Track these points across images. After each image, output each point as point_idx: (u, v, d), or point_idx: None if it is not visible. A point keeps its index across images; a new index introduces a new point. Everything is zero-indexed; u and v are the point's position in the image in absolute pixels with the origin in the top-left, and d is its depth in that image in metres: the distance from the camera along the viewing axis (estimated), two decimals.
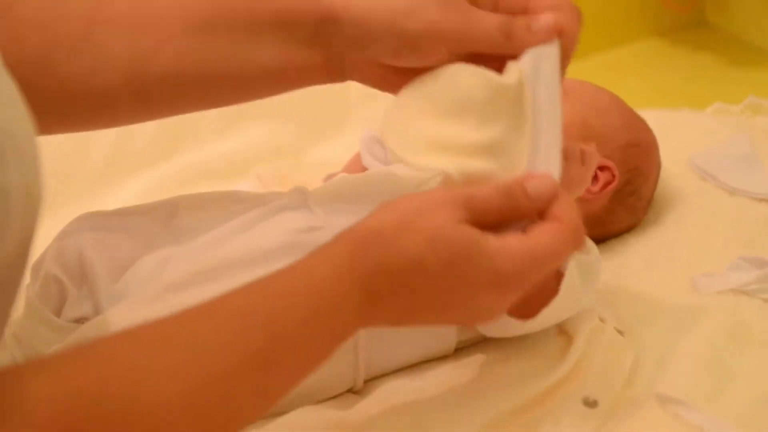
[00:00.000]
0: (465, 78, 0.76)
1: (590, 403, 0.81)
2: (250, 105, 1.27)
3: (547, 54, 0.75)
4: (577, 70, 1.44)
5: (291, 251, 0.83)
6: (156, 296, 0.83)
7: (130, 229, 0.89)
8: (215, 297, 0.65)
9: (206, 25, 0.81)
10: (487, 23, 0.76)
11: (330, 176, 1.07)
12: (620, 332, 0.90)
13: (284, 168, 1.17)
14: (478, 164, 0.74)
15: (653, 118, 1.15)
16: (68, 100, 0.81)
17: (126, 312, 0.81)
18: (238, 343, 0.63)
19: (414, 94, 0.78)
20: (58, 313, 0.86)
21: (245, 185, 1.17)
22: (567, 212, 0.70)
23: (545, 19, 0.75)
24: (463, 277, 0.68)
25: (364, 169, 1.05)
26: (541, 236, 0.68)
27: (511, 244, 0.68)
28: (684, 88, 1.38)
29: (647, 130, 1.10)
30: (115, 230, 0.89)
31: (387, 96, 1.31)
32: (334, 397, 0.87)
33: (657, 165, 1.10)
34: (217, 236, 0.89)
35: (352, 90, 1.34)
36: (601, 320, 0.89)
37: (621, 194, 1.04)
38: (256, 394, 0.64)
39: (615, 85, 1.41)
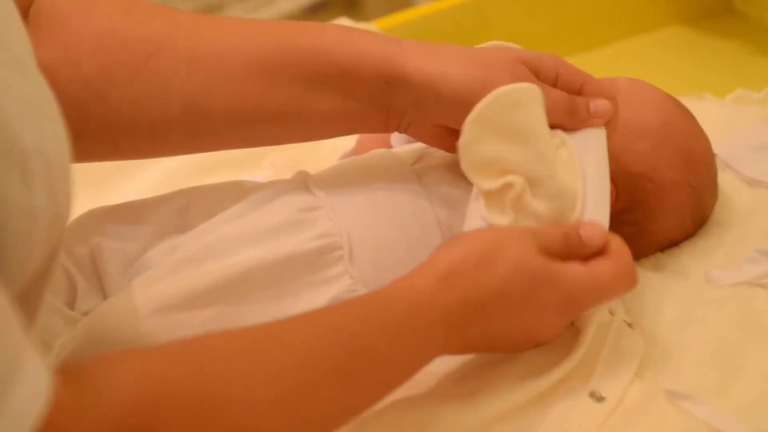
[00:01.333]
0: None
1: (597, 397, 0.80)
2: None
3: (596, 133, 0.84)
4: (602, 56, 1.45)
5: (293, 228, 0.86)
6: (164, 273, 0.84)
7: (140, 222, 0.90)
8: (302, 313, 0.69)
9: (269, 70, 0.82)
10: (553, 99, 0.81)
11: (345, 155, 1.07)
12: (629, 325, 0.88)
13: (298, 155, 1.16)
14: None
15: None
16: (118, 126, 0.83)
17: (136, 290, 0.82)
18: (324, 356, 0.65)
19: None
20: (70, 306, 0.86)
21: (259, 174, 1.17)
22: (622, 254, 0.78)
23: (604, 105, 0.83)
24: (538, 301, 0.74)
25: (391, 146, 1.04)
26: (602, 268, 0.77)
27: (576, 269, 0.76)
28: (708, 75, 1.36)
29: (684, 171, 0.99)
30: (124, 223, 0.90)
31: None
32: None
33: (678, 209, 0.99)
34: (221, 219, 0.90)
35: None
36: (611, 312, 0.88)
37: (617, 221, 0.92)
38: (337, 407, 0.66)
39: (639, 72, 1.39)
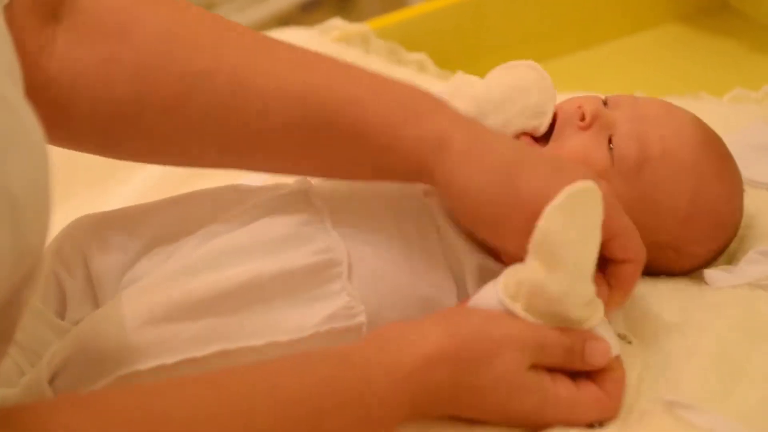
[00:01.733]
0: None
1: (597, 425, 0.78)
2: None
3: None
4: (599, 54, 1.44)
5: (292, 242, 0.84)
6: (157, 283, 0.82)
7: (135, 228, 0.89)
8: (264, 377, 0.71)
9: (307, 139, 0.80)
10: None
11: None
12: (625, 338, 0.86)
13: None
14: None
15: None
16: (145, 150, 0.84)
17: (127, 300, 0.81)
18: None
19: None
20: (59, 315, 0.85)
21: (258, 177, 1.15)
22: (617, 389, 0.79)
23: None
24: (510, 408, 0.76)
25: None
26: (589, 394, 0.78)
27: (561, 393, 0.76)
28: (705, 74, 1.35)
29: (711, 241, 0.95)
30: (119, 230, 0.89)
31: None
32: None
33: (698, 261, 0.97)
34: (218, 229, 0.88)
35: None
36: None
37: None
38: None
39: (636, 71, 1.40)
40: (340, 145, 0.80)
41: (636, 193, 0.90)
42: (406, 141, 0.78)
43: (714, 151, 0.94)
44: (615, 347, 0.80)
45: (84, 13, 0.78)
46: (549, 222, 0.75)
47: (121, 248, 0.88)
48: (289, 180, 0.91)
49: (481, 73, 1.40)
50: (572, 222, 0.76)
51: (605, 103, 0.94)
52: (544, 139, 0.92)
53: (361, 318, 0.83)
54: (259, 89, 0.79)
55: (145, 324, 0.79)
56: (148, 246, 0.88)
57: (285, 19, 2.16)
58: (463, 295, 0.86)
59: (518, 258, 0.77)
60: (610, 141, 0.91)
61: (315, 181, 0.91)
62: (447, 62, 1.39)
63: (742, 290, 0.91)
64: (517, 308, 0.77)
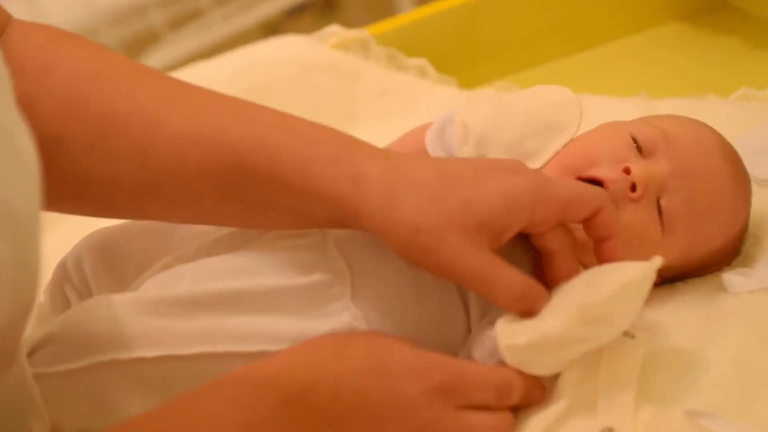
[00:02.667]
0: None
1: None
2: (261, 103, 1.27)
3: None
4: (598, 56, 1.42)
5: (294, 262, 0.83)
6: (151, 285, 0.83)
7: (135, 244, 0.89)
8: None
9: (223, 185, 0.79)
10: (504, 280, 0.76)
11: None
12: (627, 333, 0.82)
13: None
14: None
15: (677, 107, 1.11)
16: (65, 195, 0.81)
17: (121, 294, 0.81)
18: None
19: None
20: None
21: None
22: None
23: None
24: None
25: (424, 148, 0.98)
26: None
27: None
28: (708, 73, 1.33)
29: (727, 253, 0.96)
30: (121, 246, 0.89)
31: (398, 90, 1.31)
32: None
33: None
34: (218, 246, 0.87)
35: (361, 85, 1.32)
36: None
37: None
38: None
39: (638, 71, 1.38)
40: (257, 190, 0.79)
41: (680, 242, 0.90)
42: (322, 182, 0.77)
43: (742, 180, 0.94)
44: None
45: (9, 51, 0.78)
46: (610, 299, 0.73)
47: (123, 264, 0.89)
48: None
49: (479, 77, 1.40)
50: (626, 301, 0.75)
51: (638, 146, 0.90)
52: None
53: None
54: (174, 133, 0.78)
55: (134, 315, 0.78)
56: (152, 261, 0.88)
57: (271, 26, 2.16)
58: (468, 321, 0.84)
59: (465, 279, 0.76)
60: (658, 204, 0.89)
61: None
62: (446, 67, 1.38)
63: (761, 295, 0.89)
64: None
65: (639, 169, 0.87)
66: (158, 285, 0.83)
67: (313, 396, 0.70)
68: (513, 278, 0.76)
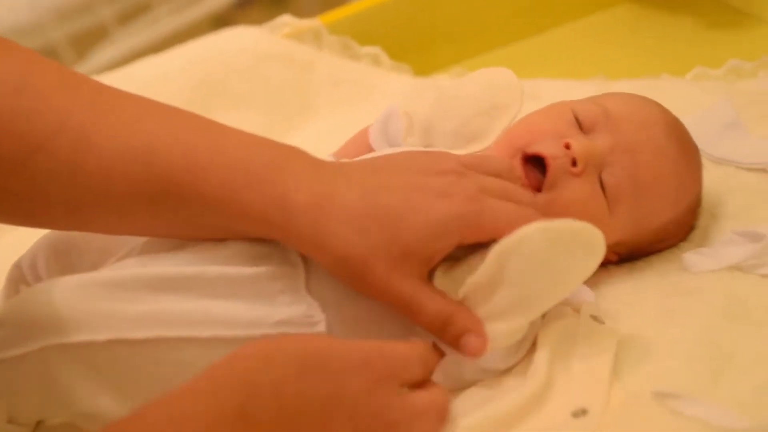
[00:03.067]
0: None
1: (578, 413, 0.75)
2: (211, 97, 1.26)
3: None
4: (554, 39, 1.42)
5: (247, 257, 0.81)
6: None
7: (91, 242, 0.88)
8: None
9: (153, 203, 0.79)
10: (428, 307, 0.77)
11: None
12: (596, 318, 0.84)
13: None
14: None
15: (633, 88, 1.10)
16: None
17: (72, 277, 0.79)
18: None
19: None
20: None
21: None
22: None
23: (473, 343, 0.77)
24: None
25: (370, 148, 0.99)
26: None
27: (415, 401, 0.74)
28: (663, 54, 1.33)
29: (682, 228, 0.97)
30: (77, 245, 0.88)
31: (352, 79, 1.30)
32: None
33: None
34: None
35: (315, 75, 1.30)
36: (575, 310, 0.84)
37: None
38: None
39: (593, 53, 1.38)
40: (187, 210, 0.79)
41: (626, 217, 0.90)
42: (251, 208, 0.77)
43: (689, 153, 0.95)
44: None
45: None
46: (533, 237, 0.74)
47: (81, 259, 0.87)
48: None
49: (434, 63, 1.40)
50: (555, 253, 0.75)
51: (579, 123, 0.91)
52: (536, 183, 0.89)
53: (320, 327, 0.80)
54: (103, 152, 0.77)
55: (83, 298, 0.76)
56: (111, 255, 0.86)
57: (221, 18, 2.13)
58: None
59: (392, 304, 0.78)
60: (600, 179, 0.89)
61: None
62: (400, 55, 1.37)
63: (721, 274, 0.89)
64: None
65: (579, 144, 0.88)
66: (108, 270, 0.82)
67: (254, 409, 0.68)
68: (437, 305, 0.77)
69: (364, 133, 1.01)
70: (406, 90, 1.29)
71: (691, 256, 0.93)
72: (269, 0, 2.28)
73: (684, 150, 0.94)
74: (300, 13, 1.39)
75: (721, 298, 0.86)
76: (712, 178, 1.01)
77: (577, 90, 1.21)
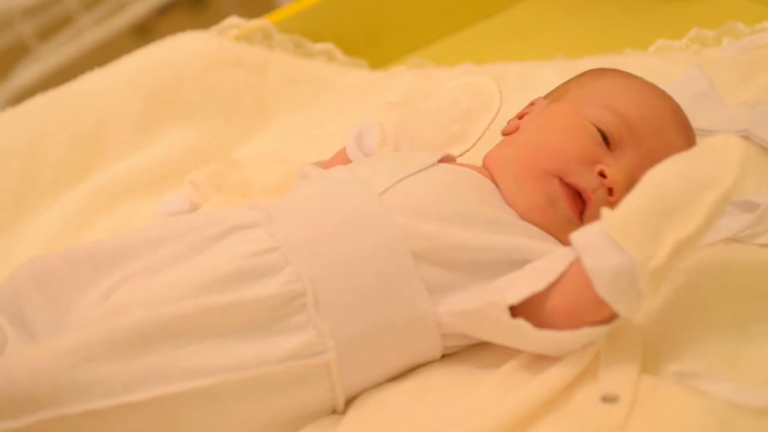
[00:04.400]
0: None
1: (610, 399, 0.74)
2: (164, 107, 1.22)
3: None
4: (505, 22, 1.39)
5: (245, 277, 0.79)
6: (96, 319, 0.78)
7: (71, 265, 0.84)
8: None
9: None
10: None
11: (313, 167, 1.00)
12: None
13: (219, 171, 1.08)
14: None
15: (597, 64, 1.08)
16: None
17: (63, 336, 0.76)
18: None
19: None
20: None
21: (180, 196, 1.08)
22: None
23: None
24: None
25: (349, 161, 0.99)
26: None
27: None
28: (620, 29, 1.33)
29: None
30: (56, 270, 0.85)
31: (308, 77, 1.27)
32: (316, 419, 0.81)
33: None
34: (164, 260, 0.83)
35: (269, 76, 1.27)
36: None
37: None
38: None
39: (547, 33, 1.36)
40: None
41: None
42: None
43: (693, 141, 0.93)
44: None
45: None
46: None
47: (59, 286, 0.84)
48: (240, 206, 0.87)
49: (389, 55, 1.37)
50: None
51: (604, 138, 0.89)
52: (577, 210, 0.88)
53: (329, 355, 0.78)
54: None
55: (80, 361, 0.74)
56: (90, 283, 0.83)
57: (143, 27, 2.09)
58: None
59: None
60: None
61: (271, 206, 0.86)
62: (355, 49, 1.34)
63: (720, 248, 0.89)
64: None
65: (613, 172, 0.86)
66: (102, 316, 0.78)
67: None
68: None
69: (342, 152, 1.01)
70: (365, 84, 1.26)
71: None
72: (188, 6, 2.24)
73: (689, 141, 0.93)
74: (221, 16, 1.35)
75: (724, 273, 0.85)
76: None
77: (540, 71, 1.20)
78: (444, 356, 0.84)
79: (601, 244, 0.76)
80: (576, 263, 0.77)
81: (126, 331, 0.75)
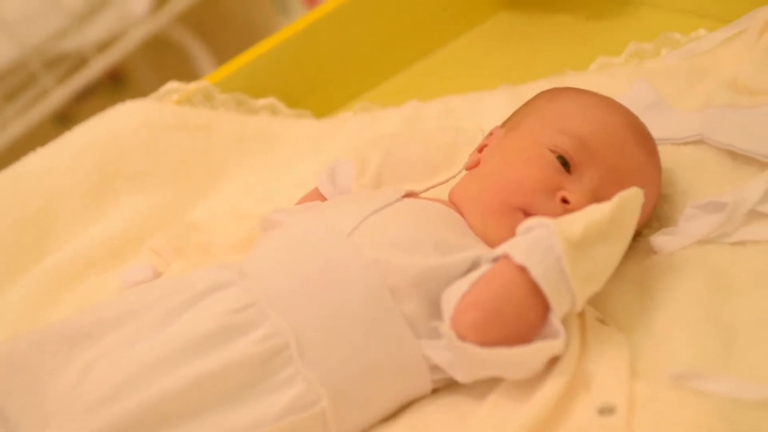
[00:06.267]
0: None
1: (607, 411, 0.74)
2: (112, 181, 1.19)
3: None
4: (443, 57, 1.40)
5: (225, 335, 0.78)
6: (80, 416, 0.76)
7: (41, 347, 0.82)
8: None
9: None
10: None
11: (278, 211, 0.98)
12: (602, 321, 0.83)
13: (178, 234, 1.06)
14: None
15: (541, 88, 1.09)
16: None
17: None
18: None
19: None
20: None
21: (141, 264, 1.06)
22: None
23: None
24: None
25: (323, 199, 0.99)
26: None
27: None
28: (559, 51, 1.34)
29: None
30: (24, 354, 0.82)
31: (254, 133, 1.26)
32: None
33: None
34: (140, 330, 0.81)
35: (215, 136, 1.26)
36: (579, 314, 0.82)
37: None
38: None
39: (493, 61, 1.37)
40: None
41: None
42: None
43: (653, 151, 0.94)
44: None
45: None
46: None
47: (30, 371, 0.82)
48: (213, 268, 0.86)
49: (332, 103, 1.37)
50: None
51: (564, 163, 0.89)
52: None
53: (323, 403, 0.78)
54: None
55: None
56: (63, 360, 0.82)
57: (64, 114, 2.07)
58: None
59: None
60: None
61: (242, 263, 0.85)
62: (298, 101, 1.34)
63: (692, 250, 0.89)
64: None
65: (575, 197, 0.87)
66: (88, 404, 0.76)
67: None
68: None
69: (314, 191, 1.01)
70: (313, 133, 1.25)
71: (659, 239, 0.92)
72: (108, 86, 2.23)
73: (651, 152, 0.93)
74: (141, 94, 1.33)
75: (701, 273, 0.86)
76: None
77: (489, 101, 1.20)
78: (436, 390, 0.83)
79: (514, 239, 0.80)
80: (498, 262, 0.79)
81: (115, 423, 0.74)
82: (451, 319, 0.78)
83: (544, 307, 0.77)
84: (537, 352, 0.76)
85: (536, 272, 0.76)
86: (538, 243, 0.77)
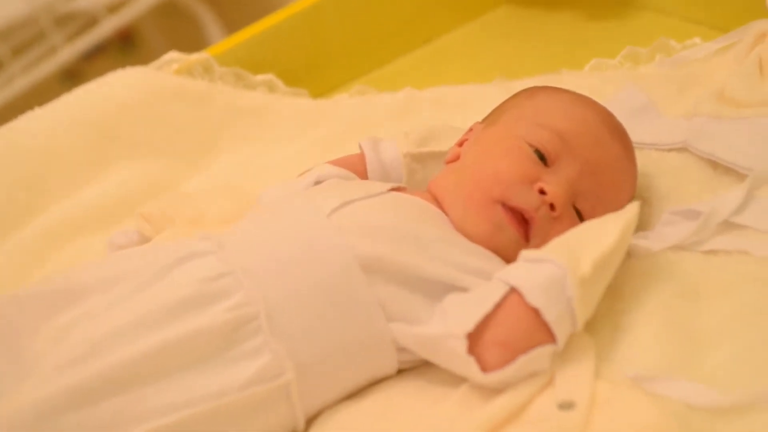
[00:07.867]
0: None
1: (567, 406, 0.76)
2: (108, 146, 1.21)
3: None
4: (443, 45, 1.41)
5: (199, 302, 0.80)
6: (49, 374, 0.77)
7: (20, 308, 0.84)
8: None
9: None
10: None
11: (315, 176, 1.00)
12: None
13: (171, 204, 1.08)
14: None
15: (535, 84, 1.10)
16: None
17: (21, 392, 0.76)
18: None
19: None
20: None
21: (128, 228, 1.08)
22: None
23: None
24: None
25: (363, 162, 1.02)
26: None
27: None
28: (556, 49, 1.35)
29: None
30: (3, 314, 0.84)
31: (251, 108, 1.27)
32: None
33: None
34: (120, 294, 0.83)
35: (213, 108, 1.27)
36: None
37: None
38: None
39: (491, 55, 1.38)
40: None
41: None
42: None
43: (629, 148, 0.97)
44: None
45: None
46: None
47: (10, 326, 0.83)
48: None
49: (329, 83, 1.38)
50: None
51: (541, 156, 0.91)
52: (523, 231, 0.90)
53: (288, 375, 0.79)
54: None
55: (43, 415, 0.74)
56: (42, 317, 0.83)
57: (71, 72, 2.07)
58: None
59: None
60: (576, 207, 0.91)
61: (222, 234, 0.87)
62: (295, 79, 1.35)
63: (665, 255, 0.91)
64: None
65: (552, 188, 0.88)
66: (63, 362, 0.78)
67: None
68: None
69: (355, 156, 1.04)
70: (309, 111, 1.27)
71: (634, 242, 0.93)
72: (118, 47, 2.23)
73: (626, 148, 0.96)
74: (152, 57, 1.34)
75: (671, 278, 0.88)
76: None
77: (481, 93, 1.22)
78: (401, 371, 0.85)
79: (524, 267, 0.81)
80: (510, 295, 0.80)
81: (89, 378, 0.75)
82: (472, 351, 0.79)
83: (549, 337, 0.79)
84: (521, 367, 0.78)
85: (550, 318, 0.78)
86: (552, 287, 0.79)
